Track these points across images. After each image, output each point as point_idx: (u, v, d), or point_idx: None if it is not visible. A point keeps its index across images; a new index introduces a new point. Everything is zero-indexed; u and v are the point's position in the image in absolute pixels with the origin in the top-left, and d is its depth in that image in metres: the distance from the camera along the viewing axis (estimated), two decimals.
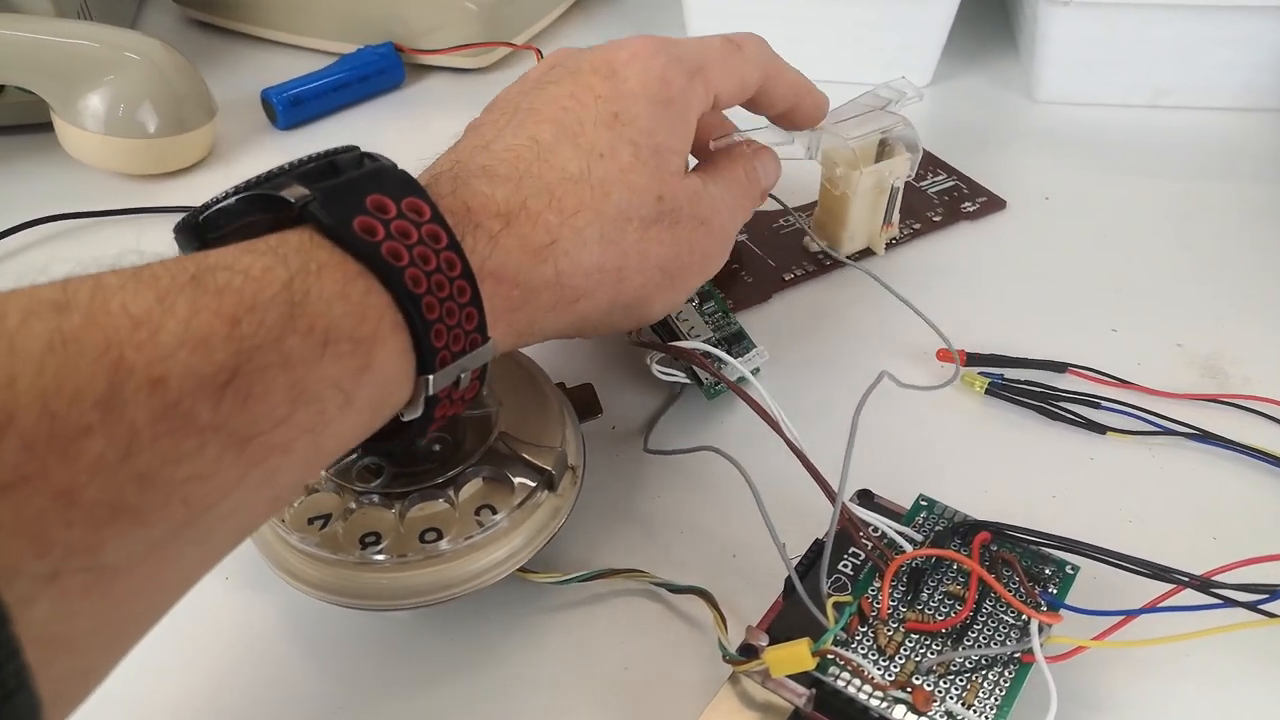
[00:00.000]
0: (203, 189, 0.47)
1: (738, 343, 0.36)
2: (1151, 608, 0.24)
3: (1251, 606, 0.24)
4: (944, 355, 0.37)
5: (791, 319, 0.39)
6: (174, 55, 0.47)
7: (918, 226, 0.44)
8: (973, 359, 0.36)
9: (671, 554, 0.31)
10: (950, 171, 0.47)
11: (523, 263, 0.25)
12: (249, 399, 0.18)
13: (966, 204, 0.45)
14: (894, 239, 0.43)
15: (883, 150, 0.40)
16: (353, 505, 0.28)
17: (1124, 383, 0.36)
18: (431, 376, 0.22)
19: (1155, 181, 0.47)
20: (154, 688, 0.27)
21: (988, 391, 0.35)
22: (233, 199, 0.22)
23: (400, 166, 0.24)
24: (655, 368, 0.34)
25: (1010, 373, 0.36)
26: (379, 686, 0.28)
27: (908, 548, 0.27)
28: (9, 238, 0.43)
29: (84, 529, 0.16)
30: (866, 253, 0.42)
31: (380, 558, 0.27)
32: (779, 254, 0.42)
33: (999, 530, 0.27)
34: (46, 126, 0.47)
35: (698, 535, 0.31)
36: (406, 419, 0.23)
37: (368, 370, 0.21)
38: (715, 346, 0.34)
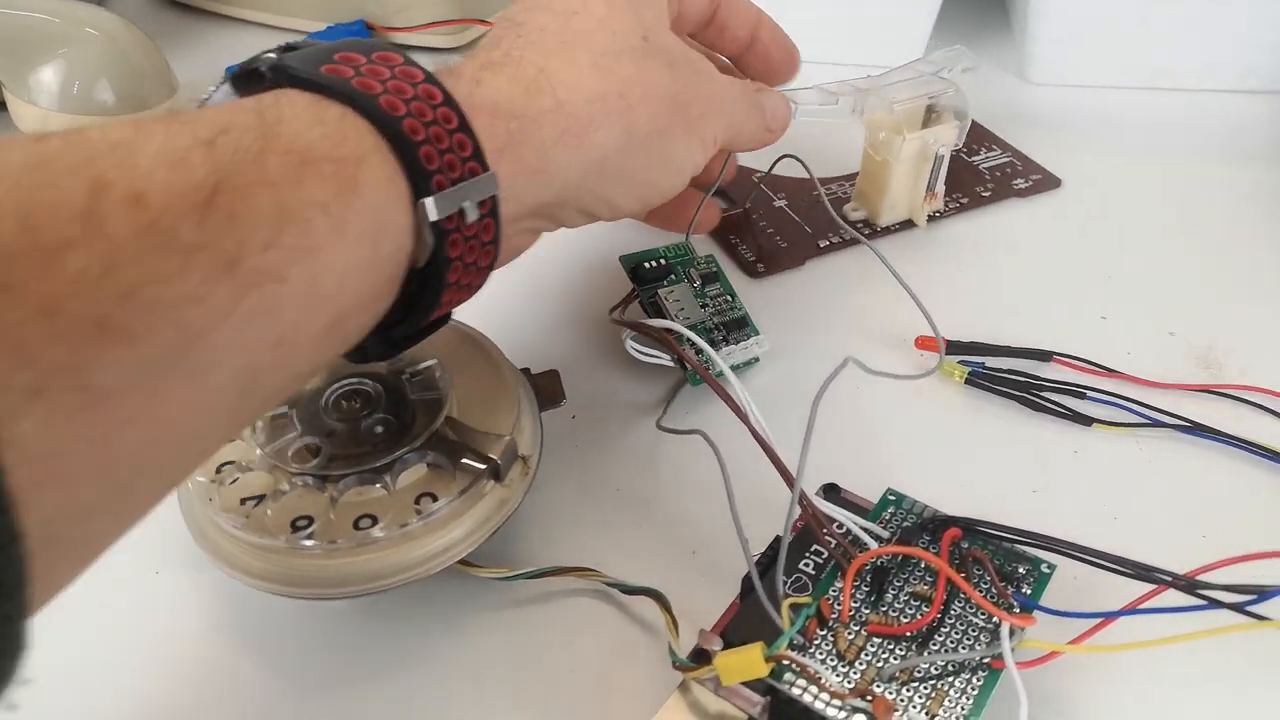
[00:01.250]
0: None
1: (739, 329, 0.34)
2: (1132, 609, 0.23)
3: (1238, 608, 0.22)
4: (924, 343, 0.35)
5: (811, 291, 0.39)
6: (133, 31, 0.45)
7: (965, 200, 0.42)
8: (953, 347, 0.34)
9: (628, 550, 0.29)
10: (1004, 147, 0.46)
11: (515, 95, 0.24)
12: (233, 218, 0.18)
13: (1019, 181, 0.44)
14: (937, 211, 0.41)
15: (929, 117, 0.39)
16: (285, 486, 0.26)
17: (1112, 372, 0.34)
18: (430, 200, 0.21)
19: (1152, 165, 0.45)
20: (85, 677, 0.26)
21: (967, 381, 0.34)
22: (219, 88, 0.23)
23: None
24: (629, 344, 0.32)
25: (992, 361, 0.34)
26: (313, 681, 0.26)
27: (873, 545, 0.25)
28: None
29: (68, 345, 0.16)
30: (908, 224, 0.41)
31: (309, 543, 0.25)
32: (816, 222, 0.41)
33: (970, 526, 0.25)
34: None
35: (657, 531, 0.30)
36: (422, 264, 0.22)
37: (354, 192, 0.20)
38: (715, 329, 0.33)
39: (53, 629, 0.26)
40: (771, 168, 0.41)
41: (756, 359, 0.34)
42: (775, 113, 0.34)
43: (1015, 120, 0.47)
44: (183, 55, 0.50)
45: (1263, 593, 0.22)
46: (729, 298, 0.35)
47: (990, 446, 0.32)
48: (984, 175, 0.44)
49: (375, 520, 0.26)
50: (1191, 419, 0.32)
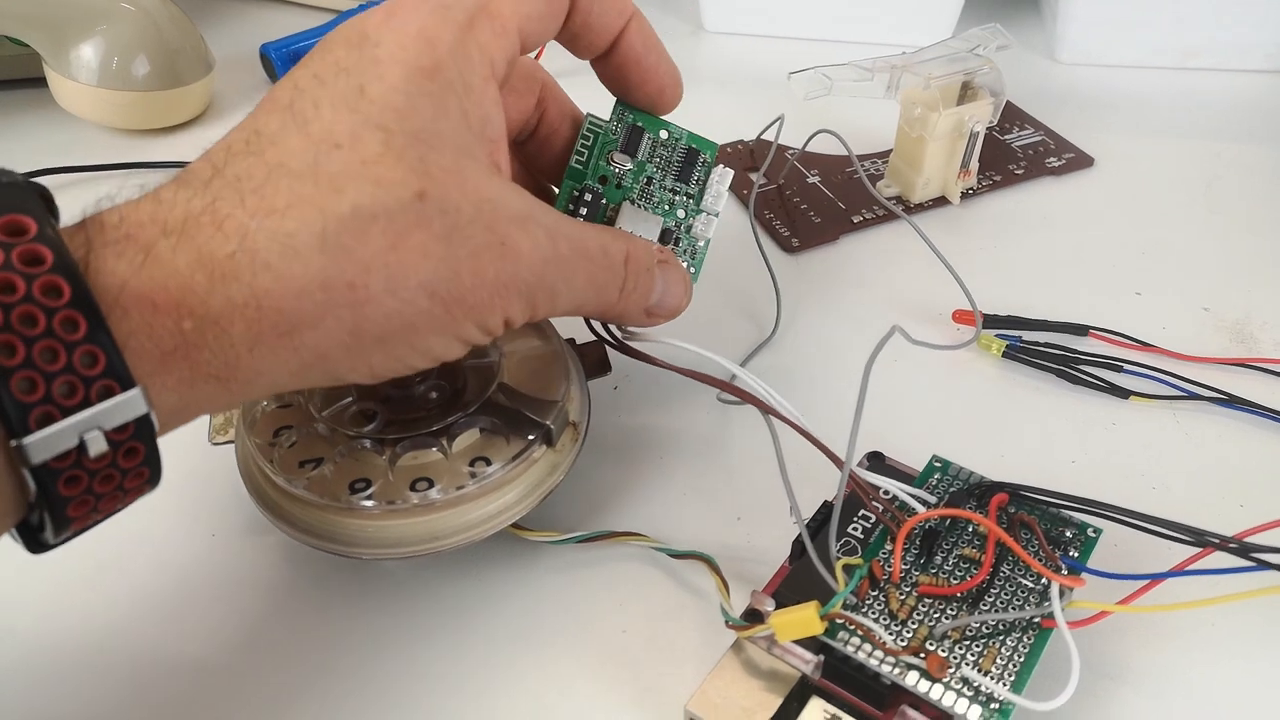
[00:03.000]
0: (199, 144, 0.45)
1: (691, 165, 0.30)
2: (1181, 570, 0.23)
3: None
4: (961, 316, 0.35)
5: (846, 266, 0.39)
6: (169, 7, 0.46)
7: (997, 178, 0.43)
8: (990, 321, 0.35)
9: (673, 516, 0.29)
10: (1036, 126, 0.46)
11: (195, 281, 0.19)
12: None
13: (1052, 159, 0.44)
14: (971, 189, 0.42)
15: (964, 94, 0.39)
16: (344, 450, 0.27)
17: (1148, 346, 0.34)
18: (28, 440, 0.17)
19: (1182, 144, 0.45)
20: (142, 636, 0.27)
21: (1005, 354, 0.34)
22: None
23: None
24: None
25: (1029, 335, 0.35)
26: (368, 639, 0.26)
27: (920, 509, 0.25)
28: None
29: None
30: (941, 201, 0.41)
31: (368, 504, 0.26)
32: (849, 197, 0.41)
33: (1017, 491, 0.26)
34: (40, 81, 0.46)
35: (701, 498, 0.30)
36: (34, 500, 0.18)
37: None
38: (674, 196, 0.30)
39: (110, 592, 0.27)
40: (806, 144, 0.41)
41: (725, 191, 0.31)
42: (667, 293, 0.28)
43: (1046, 99, 0.48)
44: (219, 33, 0.50)
45: None
46: (664, 134, 0.30)
47: (1029, 418, 0.32)
48: (1017, 154, 0.44)
49: (431, 483, 0.26)
50: (1227, 391, 0.32)
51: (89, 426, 0.18)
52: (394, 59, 0.22)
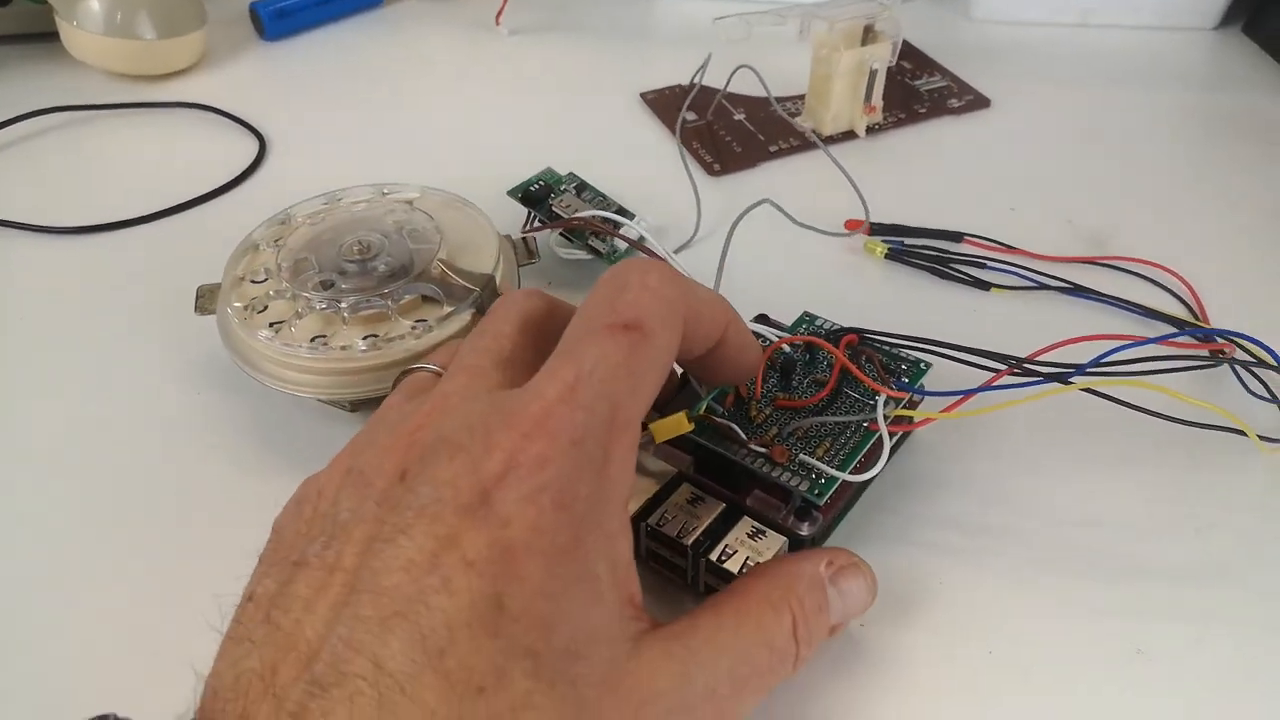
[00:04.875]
0: (193, 90, 0.51)
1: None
2: (987, 387, 0.28)
3: (1061, 380, 0.27)
4: (852, 224, 0.40)
5: (760, 187, 0.44)
6: None
7: (902, 116, 0.48)
8: (878, 229, 0.40)
9: None
10: (944, 73, 0.51)
11: None
12: None
13: (953, 100, 0.49)
14: (877, 124, 0.47)
15: (866, 36, 0.44)
16: (301, 310, 0.32)
17: (1012, 249, 0.39)
18: None
19: (1074, 90, 0.51)
20: (146, 467, 0.32)
21: (887, 256, 0.39)
22: None
23: None
24: (559, 251, 0.38)
25: (911, 241, 0.40)
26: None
27: (787, 349, 0.31)
28: (19, 124, 0.47)
29: None
30: (850, 135, 0.47)
31: (327, 350, 0.31)
32: (769, 131, 0.47)
33: (863, 333, 0.31)
34: (53, 35, 0.51)
35: None
36: None
37: None
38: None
39: (116, 439, 0.32)
40: (729, 81, 0.46)
41: (643, 237, 0.38)
42: (848, 609, 0.24)
43: (956, 51, 0.53)
44: None
45: (1079, 368, 0.27)
46: (602, 197, 0.39)
47: (902, 306, 0.38)
48: (923, 96, 0.49)
49: (378, 336, 0.31)
50: (1073, 282, 0.37)
51: None
52: (530, 546, 0.18)
